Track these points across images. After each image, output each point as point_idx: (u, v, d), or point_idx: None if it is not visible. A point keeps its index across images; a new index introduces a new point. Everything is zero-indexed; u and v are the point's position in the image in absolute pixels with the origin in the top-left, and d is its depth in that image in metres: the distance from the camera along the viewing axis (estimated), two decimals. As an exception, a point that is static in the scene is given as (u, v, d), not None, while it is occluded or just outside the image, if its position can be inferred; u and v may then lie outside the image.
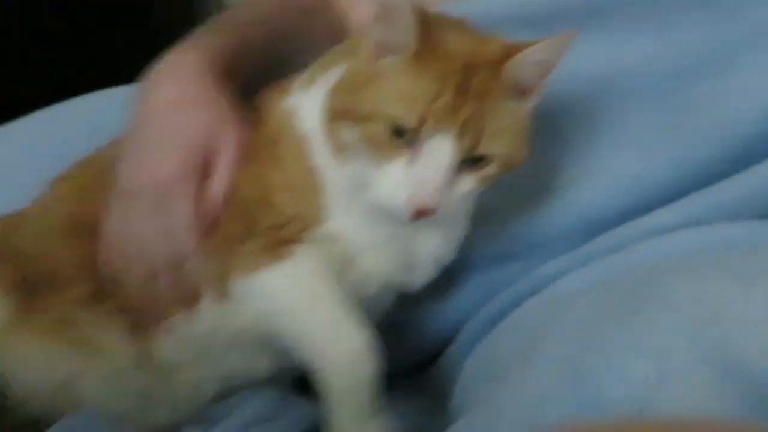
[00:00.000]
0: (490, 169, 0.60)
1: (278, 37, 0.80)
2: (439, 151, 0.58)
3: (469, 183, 0.60)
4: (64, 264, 0.70)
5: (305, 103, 0.66)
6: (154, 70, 0.71)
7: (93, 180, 0.73)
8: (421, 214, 0.59)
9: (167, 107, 0.69)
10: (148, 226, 0.68)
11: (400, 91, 0.58)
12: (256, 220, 0.66)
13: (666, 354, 0.45)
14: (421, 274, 0.69)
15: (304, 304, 0.65)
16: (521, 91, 0.61)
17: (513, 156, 0.61)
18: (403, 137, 0.58)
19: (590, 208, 0.71)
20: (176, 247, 0.68)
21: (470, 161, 0.59)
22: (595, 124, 0.72)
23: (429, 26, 0.58)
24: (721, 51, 0.70)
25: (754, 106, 0.67)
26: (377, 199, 0.61)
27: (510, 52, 0.59)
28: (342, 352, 0.63)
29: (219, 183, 0.68)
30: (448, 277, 0.72)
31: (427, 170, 0.58)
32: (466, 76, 0.58)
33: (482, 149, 0.59)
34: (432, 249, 0.68)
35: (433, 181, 0.58)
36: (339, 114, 0.61)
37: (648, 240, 0.66)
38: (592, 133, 0.73)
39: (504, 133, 0.60)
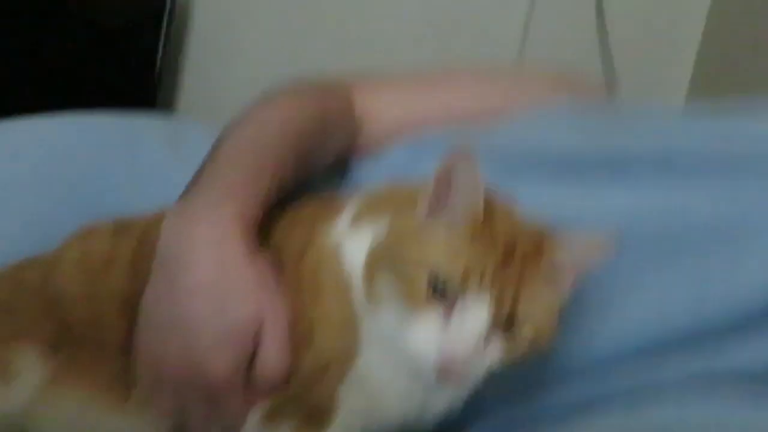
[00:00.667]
0: (519, 343, 0.62)
1: (303, 163, 0.80)
2: (475, 312, 0.60)
3: (497, 353, 0.62)
4: (113, 334, 0.71)
5: (349, 242, 0.68)
6: (188, 223, 0.69)
7: (140, 257, 0.73)
8: (447, 375, 0.60)
9: (208, 281, 0.67)
10: (196, 410, 0.69)
11: (446, 251, 0.61)
12: (300, 360, 0.67)
13: None
14: (436, 414, 0.70)
15: None
16: (557, 280, 0.64)
17: (542, 335, 0.63)
18: (439, 293, 0.60)
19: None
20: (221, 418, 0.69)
21: (502, 333, 0.61)
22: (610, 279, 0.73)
23: (488, 207, 0.63)
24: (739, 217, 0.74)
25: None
26: (407, 351, 0.62)
27: (552, 241, 0.63)
28: None
29: (270, 364, 0.68)
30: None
31: (462, 329, 0.60)
32: (509, 253, 0.62)
33: (519, 317, 0.61)
34: (449, 395, 0.69)
35: (467, 344, 0.60)
36: (378, 264, 0.64)
37: (659, 403, 0.68)
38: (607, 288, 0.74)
39: (537, 311, 0.62)
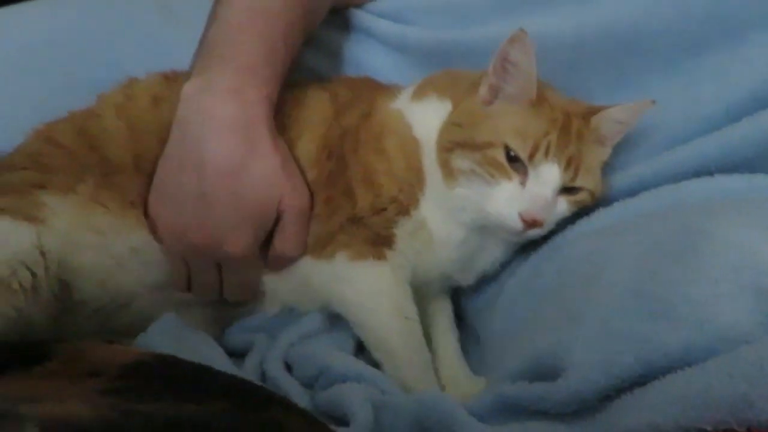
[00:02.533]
0: (580, 197, 0.74)
1: (309, 21, 0.85)
2: (549, 176, 0.71)
3: (564, 206, 0.73)
4: (152, 164, 0.76)
5: (415, 112, 0.78)
6: (211, 106, 0.72)
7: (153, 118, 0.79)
8: (531, 226, 0.71)
9: (235, 163, 0.72)
10: (210, 274, 0.76)
11: (516, 128, 0.72)
12: (357, 197, 0.75)
13: (716, 282, 0.53)
14: (472, 276, 0.80)
15: (386, 308, 0.74)
16: (601, 141, 0.76)
17: (597, 190, 0.75)
18: (516, 163, 0.71)
19: None
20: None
21: (566, 190, 0.73)
22: (620, 78, 0.80)
23: (540, 85, 0.73)
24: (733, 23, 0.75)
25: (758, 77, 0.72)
26: (491, 214, 0.72)
27: (596, 109, 0.75)
28: (406, 366, 0.72)
29: (288, 245, 0.76)
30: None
31: (538, 190, 0.71)
32: (566, 122, 0.73)
33: (579, 181, 0.73)
34: (489, 259, 0.79)
35: (544, 198, 0.71)
36: (454, 145, 0.73)
37: (669, 185, 0.72)
38: (616, 86, 0.80)
39: (593, 171, 0.74)
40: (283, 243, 0.76)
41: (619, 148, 0.78)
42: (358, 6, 0.98)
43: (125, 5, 1.00)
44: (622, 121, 0.75)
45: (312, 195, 0.77)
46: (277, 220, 0.75)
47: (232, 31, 0.77)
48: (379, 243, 0.75)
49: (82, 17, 0.96)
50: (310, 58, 0.94)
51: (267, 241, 0.76)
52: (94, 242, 0.75)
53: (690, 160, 0.71)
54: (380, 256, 0.75)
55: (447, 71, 0.82)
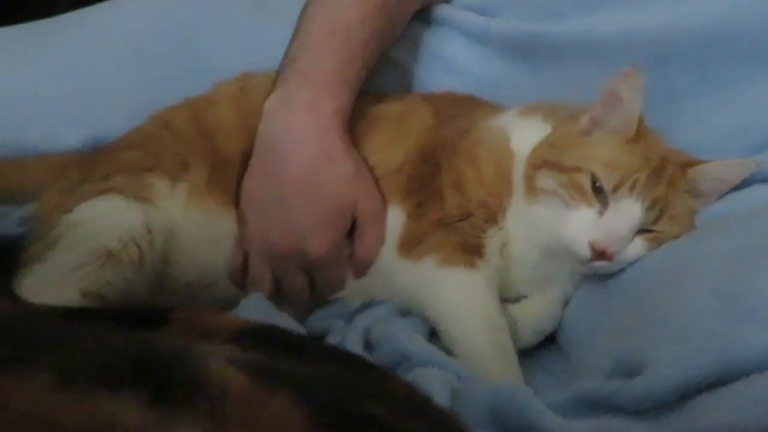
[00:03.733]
0: (659, 241, 0.72)
1: (385, 38, 0.88)
2: (629, 212, 0.71)
3: (640, 248, 0.72)
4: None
5: (517, 127, 0.80)
6: (290, 119, 0.78)
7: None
8: (600, 257, 0.70)
9: (311, 170, 0.77)
10: (297, 279, 0.80)
11: (607, 159, 0.72)
12: (446, 199, 0.77)
13: None
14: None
15: (478, 320, 0.74)
16: (698, 195, 0.74)
17: (679, 235, 0.73)
18: (599, 194, 0.71)
19: None
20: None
21: (646, 231, 0.72)
22: (709, 78, 0.80)
23: (641, 125, 0.73)
24: None
25: None
26: (562, 236, 0.72)
27: (695, 162, 0.74)
28: (489, 371, 0.71)
29: (368, 248, 0.79)
30: None
31: (615, 223, 0.70)
32: (662, 165, 0.72)
33: (661, 226, 0.72)
34: (559, 290, 0.79)
35: (619, 232, 0.70)
36: (543, 163, 0.74)
37: (758, 184, 0.73)
38: (704, 86, 0.80)
39: (681, 219, 0.73)
40: (363, 247, 0.80)
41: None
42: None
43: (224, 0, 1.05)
44: (721, 178, 0.74)
45: (385, 199, 0.80)
46: (354, 226, 0.79)
47: (310, 46, 0.82)
48: (470, 251, 0.76)
49: (184, 9, 1.02)
50: (391, 49, 0.96)
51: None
52: (195, 225, 0.81)
53: None
54: (472, 264, 0.76)
55: (554, 102, 0.83)
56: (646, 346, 0.57)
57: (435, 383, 0.66)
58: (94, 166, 0.83)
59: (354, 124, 0.82)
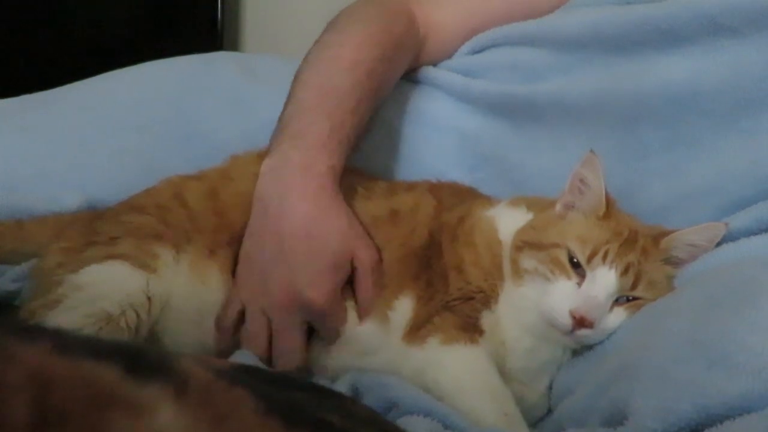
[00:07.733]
0: (640, 308, 0.74)
1: (376, 97, 0.93)
2: (604, 280, 0.74)
3: (622, 316, 0.74)
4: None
5: (504, 217, 0.84)
6: (287, 181, 0.82)
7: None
8: (580, 324, 0.73)
9: (308, 225, 0.80)
10: (293, 336, 0.82)
11: (580, 234, 0.76)
12: (450, 280, 0.81)
13: None
14: (536, 394, 0.80)
15: (483, 390, 0.75)
16: (675, 263, 0.77)
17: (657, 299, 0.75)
18: (577, 268, 0.74)
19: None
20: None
21: (625, 300, 0.75)
22: (676, 136, 0.83)
23: (609, 203, 0.77)
24: None
25: None
26: (545, 308, 0.75)
27: (667, 232, 0.77)
28: None
29: (366, 297, 0.82)
30: None
31: (593, 291, 0.74)
32: (632, 237, 0.76)
33: (639, 292, 0.75)
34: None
35: (596, 300, 0.73)
36: (524, 244, 0.79)
37: (728, 243, 0.75)
38: (673, 143, 0.83)
39: (658, 285, 0.76)
40: (364, 293, 0.82)
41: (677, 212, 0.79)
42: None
43: (217, 69, 1.10)
44: (693, 244, 0.76)
45: (380, 253, 0.84)
46: (352, 275, 0.82)
47: (303, 111, 0.87)
48: (470, 329, 0.78)
49: (179, 78, 1.07)
50: (380, 108, 1.00)
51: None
52: (193, 295, 0.84)
53: (749, 222, 0.73)
54: (473, 341, 0.78)
55: (537, 196, 0.87)
56: (628, 397, 0.58)
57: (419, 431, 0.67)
58: (103, 223, 0.86)
59: (374, 216, 0.87)
